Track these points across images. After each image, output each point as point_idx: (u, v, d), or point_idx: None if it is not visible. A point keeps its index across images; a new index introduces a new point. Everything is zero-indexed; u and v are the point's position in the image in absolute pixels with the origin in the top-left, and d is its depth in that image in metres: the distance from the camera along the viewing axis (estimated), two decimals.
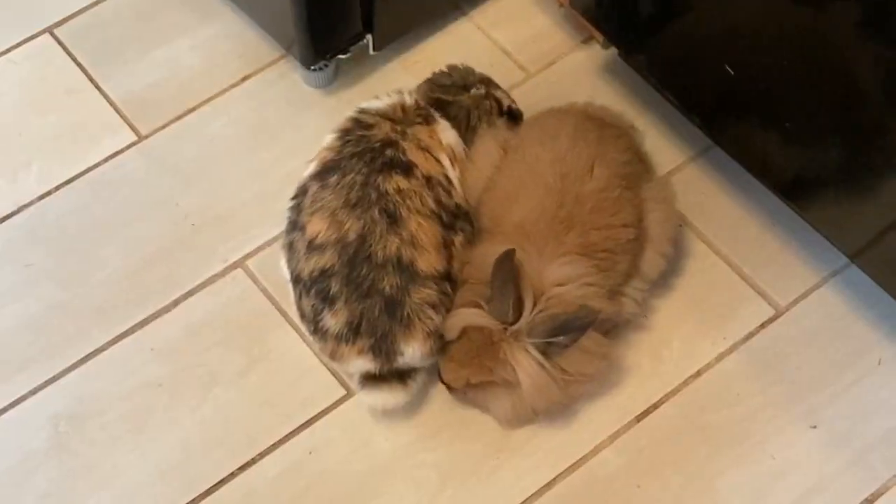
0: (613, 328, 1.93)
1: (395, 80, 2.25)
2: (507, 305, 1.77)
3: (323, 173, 1.88)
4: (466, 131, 2.01)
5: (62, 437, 1.91)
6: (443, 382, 1.88)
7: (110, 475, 1.88)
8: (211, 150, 2.19)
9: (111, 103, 2.23)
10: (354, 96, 2.23)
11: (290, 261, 1.89)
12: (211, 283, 2.05)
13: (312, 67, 2.20)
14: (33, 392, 1.95)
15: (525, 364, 1.77)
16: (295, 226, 1.89)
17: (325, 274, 1.82)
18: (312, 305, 1.84)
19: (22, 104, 2.24)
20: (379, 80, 2.25)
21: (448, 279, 1.86)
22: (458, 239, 1.89)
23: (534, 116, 2.07)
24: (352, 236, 1.82)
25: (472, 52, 2.28)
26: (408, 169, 1.86)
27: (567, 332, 1.76)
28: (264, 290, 2.04)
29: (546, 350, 1.77)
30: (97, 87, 2.25)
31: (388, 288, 1.81)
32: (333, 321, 1.83)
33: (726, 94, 1.92)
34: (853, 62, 1.70)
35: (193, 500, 1.86)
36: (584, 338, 1.78)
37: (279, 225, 2.07)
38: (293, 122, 2.21)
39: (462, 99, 2.02)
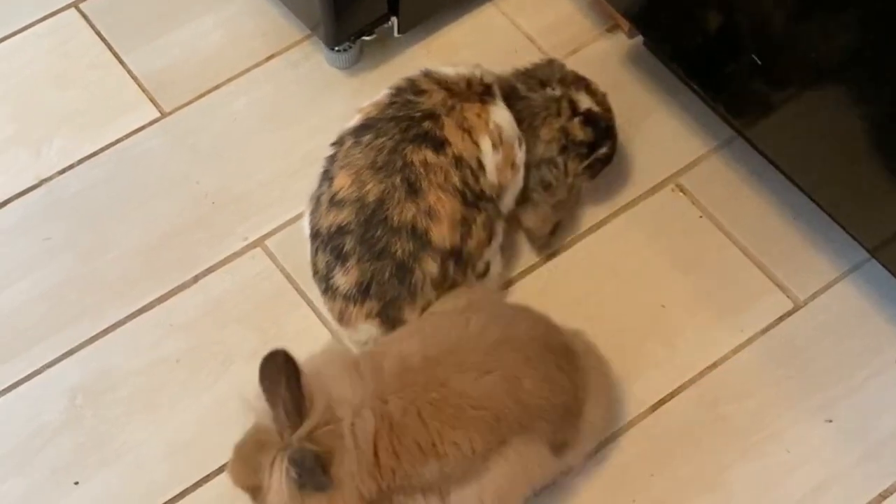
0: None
1: (418, 63, 2.24)
2: (278, 412, 1.57)
3: (360, 129, 1.87)
4: (527, 130, 1.95)
5: (78, 410, 1.91)
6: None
7: (123, 449, 1.89)
8: (233, 128, 2.19)
9: (134, 79, 2.23)
10: (377, 78, 2.22)
11: (312, 214, 1.88)
12: (230, 261, 2.05)
13: (336, 48, 2.20)
14: (49, 365, 1.96)
15: (277, 482, 1.58)
16: (325, 176, 1.88)
17: (341, 230, 1.83)
18: (327, 262, 1.84)
19: (45, 78, 2.24)
20: (402, 63, 2.25)
21: (457, 257, 1.85)
22: (481, 218, 1.87)
23: (490, 317, 1.74)
24: (371, 198, 1.82)
25: (497, 37, 2.28)
26: (440, 145, 1.84)
27: (305, 476, 1.56)
28: (283, 270, 2.04)
29: (299, 482, 1.57)
30: (121, 62, 2.25)
31: (399, 252, 1.80)
32: (344, 280, 1.83)
33: (752, 83, 1.90)
34: (884, 52, 1.69)
35: (205, 476, 1.87)
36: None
37: (299, 205, 2.07)
38: (316, 102, 2.21)
39: (533, 97, 1.96)
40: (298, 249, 2.01)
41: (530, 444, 1.68)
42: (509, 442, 1.66)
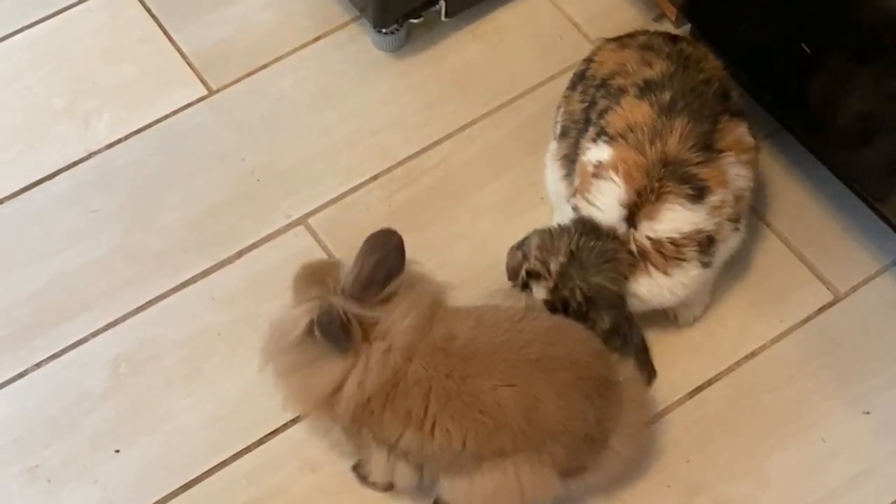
0: None
1: (463, 48, 2.26)
2: (352, 272, 1.68)
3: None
4: None
5: (121, 378, 1.94)
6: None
7: (164, 419, 1.91)
8: (279, 107, 2.21)
9: (183, 56, 2.26)
10: (423, 61, 2.24)
11: None
12: (273, 237, 2.07)
13: (383, 30, 2.21)
14: (94, 334, 1.98)
15: (300, 317, 1.70)
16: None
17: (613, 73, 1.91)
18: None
19: (96, 52, 2.27)
20: (448, 47, 2.26)
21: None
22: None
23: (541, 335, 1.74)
24: (647, 76, 1.87)
25: (542, 23, 2.29)
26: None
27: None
28: (325, 248, 2.06)
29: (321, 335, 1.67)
30: (170, 39, 2.27)
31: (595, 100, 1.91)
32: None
33: (800, 73, 1.90)
34: None
35: (245, 448, 1.89)
36: None
37: (342, 184, 2.10)
38: (361, 84, 2.23)
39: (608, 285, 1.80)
40: (340, 228, 2.03)
41: (534, 464, 1.70)
42: (510, 455, 1.69)
